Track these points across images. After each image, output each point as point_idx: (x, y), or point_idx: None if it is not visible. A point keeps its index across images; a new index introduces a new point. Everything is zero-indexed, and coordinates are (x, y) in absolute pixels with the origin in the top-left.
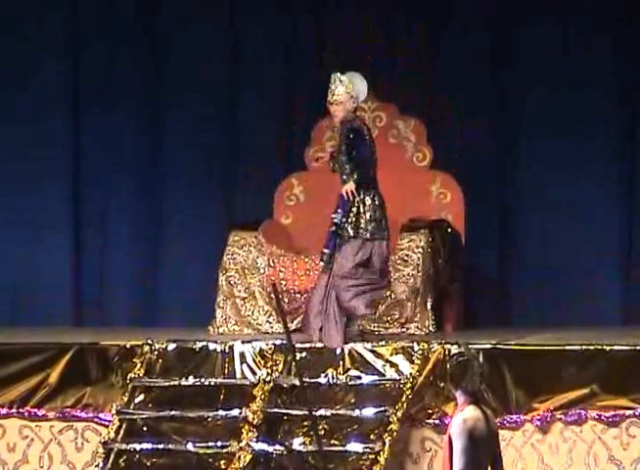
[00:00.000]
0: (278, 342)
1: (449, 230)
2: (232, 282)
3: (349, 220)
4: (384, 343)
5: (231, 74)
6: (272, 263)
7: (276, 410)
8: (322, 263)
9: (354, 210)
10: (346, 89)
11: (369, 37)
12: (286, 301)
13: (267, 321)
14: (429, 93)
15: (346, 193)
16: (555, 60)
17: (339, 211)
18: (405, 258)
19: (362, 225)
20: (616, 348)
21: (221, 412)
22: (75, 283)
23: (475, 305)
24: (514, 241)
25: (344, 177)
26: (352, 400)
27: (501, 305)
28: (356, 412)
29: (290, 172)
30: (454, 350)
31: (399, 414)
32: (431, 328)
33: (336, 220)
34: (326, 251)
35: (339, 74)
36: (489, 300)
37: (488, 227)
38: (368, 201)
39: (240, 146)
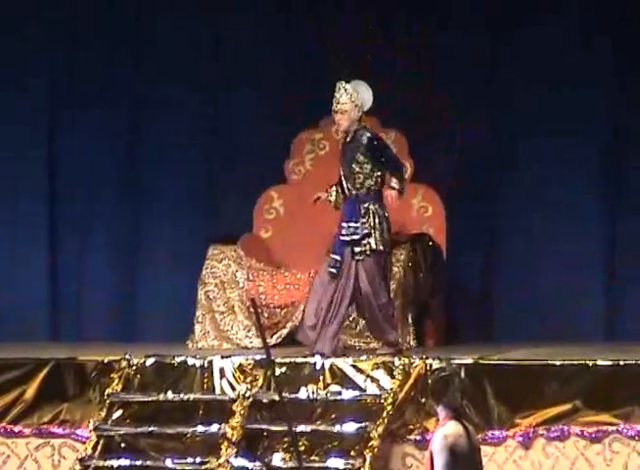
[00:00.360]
0: (257, 357)
1: (430, 244)
2: (211, 296)
3: (371, 232)
4: (364, 357)
5: (211, 83)
6: (251, 277)
7: (255, 426)
8: (331, 270)
9: (376, 220)
10: (351, 98)
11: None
12: (265, 315)
13: (247, 336)
14: (412, 103)
15: (391, 199)
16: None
17: (361, 220)
18: None
19: (386, 237)
20: (599, 363)
21: (200, 428)
22: (52, 297)
23: (456, 319)
24: (496, 255)
25: (361, 188)
26: (333, 416)
27: (483, 320)
28: (337, 428)
29: (269, 185)
30: (435, 365)
31: (380, 430)
32: (412, 343)
33: (358, 231)
34: (337, 257)
35: (343, 83)
36: (471, 314)
37: (470, 241)
38: (380, 211)
39: (219, 158)
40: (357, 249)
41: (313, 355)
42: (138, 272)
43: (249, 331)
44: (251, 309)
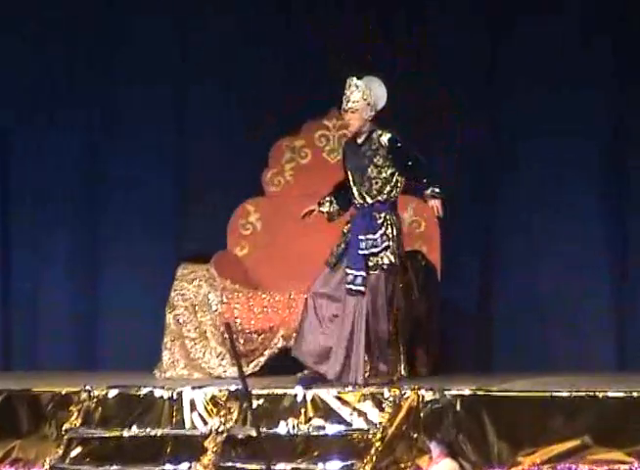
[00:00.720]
0: (232, 387)
1: (424, 263)
2: (180, 321)
3: (389, 244)
4: (350, 388)
5: (180, 85)
6: (225, 300)
7: (230, 464)
8: (353, 286)
9: (393, 231)
10: (363, 95)
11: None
12: (241, 341)
13: (220, 364)
14: (412, 103)
15: (437, 210)
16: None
17: (380, 232)
18: None
19: (400, 251)
20: (609, 394)
21: (168, 467)
22: (3, 322)
23: (452, 345)
24: (495, 275)
25: (377, 195)
26: (315, 453)
27: (482, 347)
28: (320, 466)
29: (245, 198)
30: (428, 396)
31: (368, 469)
32: (403, 371)
33: (377, 243)
34: (362, 273)
35: (354, 79)
36: (468, 340)
37: (467, 259)
38: (397, 222)
39: (190, 167)
40: (371, 262)
41: (347, 386)
42: (100, 294)
43: (222, 359)
44: (226, 335)
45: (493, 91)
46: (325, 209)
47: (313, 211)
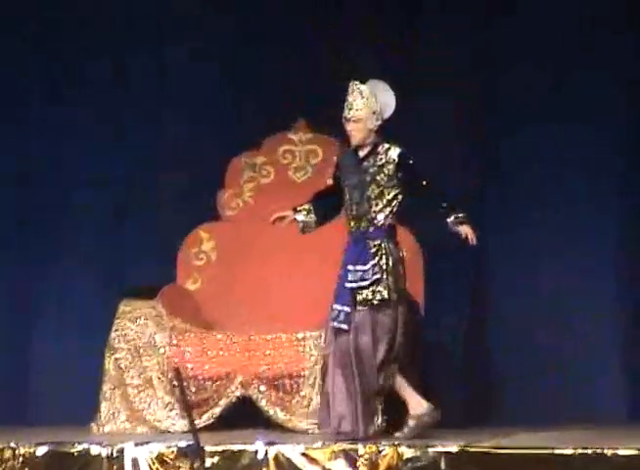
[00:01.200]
0: (182, 443)
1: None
2: (122, 366)
3: (383, 277)
4: (319, 444)
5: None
6: (175, 341)
7: None
8: (340, 325)
9: (389, 261)
10: (367, 102)
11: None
12: (192, 390)
13: (168, 416)
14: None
15: (472, 236)
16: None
17: (372, 262)
18: None
19: (400, 285)
20: (619, 452)
21: None
22: None
23: (436, 394)
24: (486, 313)
25: (374, 219)
26: None
27: (470, 395)
28: None
29: (197, 223)
30: (409, 453)
31: None
32: (380, 424)
33: (367, 276)
34: (346, 309)
35: (358, 84)
36: (455, 388)
37: (453, 294)
38: (395, 251)
39: (132, 186)
40: (360, 296)
41: (349, 441)
42: (29, 335)
43: (171, 410)
44: (175, 382)
45: (494, 90)
46: (301, 217)
47: (286, 217)
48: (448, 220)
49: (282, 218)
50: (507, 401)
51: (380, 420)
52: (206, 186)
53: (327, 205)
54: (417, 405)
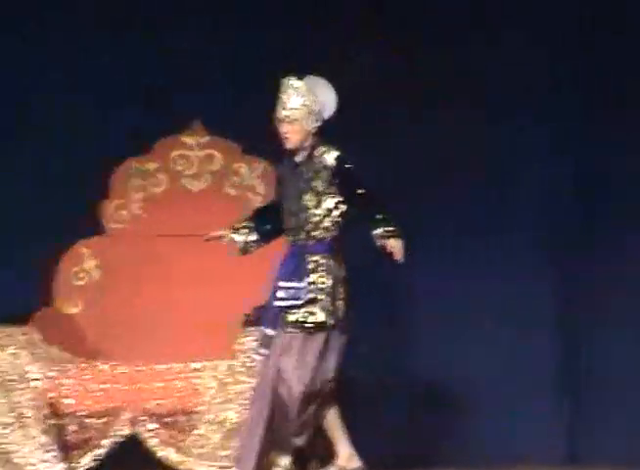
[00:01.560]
0: None
1: None
2: None
3: (318, 298)
4: None
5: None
6: (51, 373)
7: None
8: (261, 350)
9: (328, 281)
10: (304, 101)
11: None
12: (72, 428)
13: (43, 460)
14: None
15: (398, 250)
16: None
17: (307, 280)
18: (249, 365)
19: (340, 307)
20: None
21: None
22: None
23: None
24: (409, 346)
25: (313, 231)
26: None
27: (407, 435)
28: None
29: (78, 238)
30: None
31: None
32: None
33: (300, 295)
34: (270, 332)
35: (293, 80)
36: (383, 427)
37: (373, 323)
38: (336, 268)
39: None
40: (292, 317)
41: None
42: None
43: (47, 452)
44: (52, 421)
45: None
46: (240, 237)
47: (223, 237)
48: (375, 232)
49: (217, 238)
50: (439, 448)
51: (288, 462)
52: (89, 195)
53: (269, 222)
54: (347, 459)
